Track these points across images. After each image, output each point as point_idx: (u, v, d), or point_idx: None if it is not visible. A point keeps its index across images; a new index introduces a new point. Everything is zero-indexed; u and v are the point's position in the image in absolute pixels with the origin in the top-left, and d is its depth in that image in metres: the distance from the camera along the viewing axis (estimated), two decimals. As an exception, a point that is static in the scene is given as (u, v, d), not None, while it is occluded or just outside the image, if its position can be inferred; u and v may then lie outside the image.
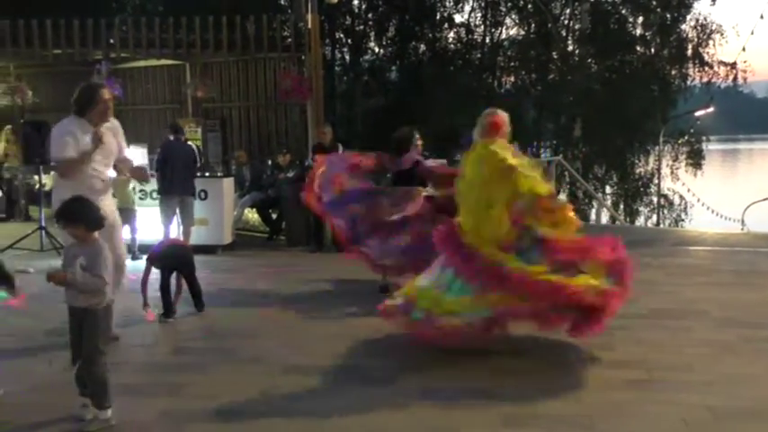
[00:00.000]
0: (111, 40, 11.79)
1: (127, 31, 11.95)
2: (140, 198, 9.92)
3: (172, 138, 9.64)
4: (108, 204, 5.63)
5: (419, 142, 7.61)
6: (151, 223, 9.66)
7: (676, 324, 5.81)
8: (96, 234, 4.04)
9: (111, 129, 5.86)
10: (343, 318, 6.34)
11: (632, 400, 4.21)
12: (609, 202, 21.66)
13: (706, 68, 21.21)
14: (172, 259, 6.44)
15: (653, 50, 21.40)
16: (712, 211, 19.77)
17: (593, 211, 20.73)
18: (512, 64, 22.30)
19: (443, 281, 5.03)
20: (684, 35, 21.25)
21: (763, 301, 6.64)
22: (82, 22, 11.65)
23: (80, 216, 4.01)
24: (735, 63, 20.92)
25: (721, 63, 21.13)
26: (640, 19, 21.58)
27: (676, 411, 4.00)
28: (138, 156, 10.37)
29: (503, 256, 4.85)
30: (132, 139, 11.03)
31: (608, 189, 23.13)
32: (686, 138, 22.43)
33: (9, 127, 12.50)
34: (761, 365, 4.82)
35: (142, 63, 12.86)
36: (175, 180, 9.46)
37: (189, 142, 10.14)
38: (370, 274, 7.45)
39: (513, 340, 5.45)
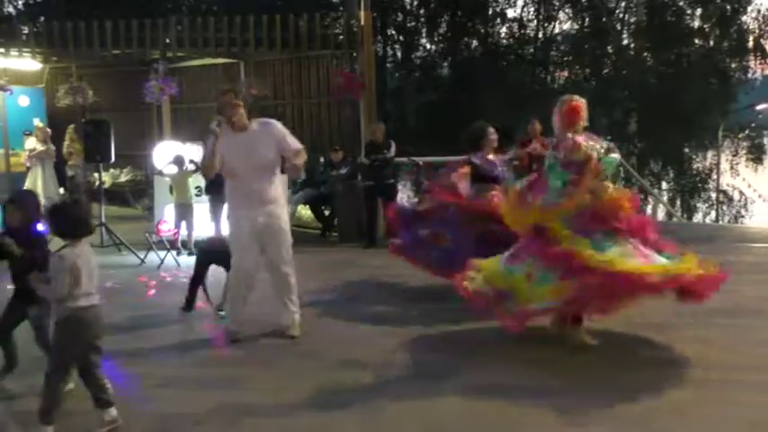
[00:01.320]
0: (168, 40, 12.04)
1: (183, 30, 12.19)
2: (197, 195, 10.09)
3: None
4: (260, 221, 5.49)
5: (493, 137, 7.08)
6: (205, 219, 9.80)
7: (736, 322, 5.68)
8: (79, 241, 3.81)
9: (255, 132, 5.53)
10: (396, 313, 6.36)
11: (691, 400, 4.13)
12: (665, 199, 21.22)
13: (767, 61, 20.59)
14: (213, 254, 6.48)
15: (712, 43, 20.85)
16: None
17: (649, 207, 20.32)
18: (565, 59, 21.99)
19: (536, 274, 4.92)
20: (745, 26, 20.67)
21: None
22: (140, 23, 11.93)
23: (52, 222, 3.90)
24: (799, 54, 20.26)
25: (785, 54, 20.49)
26: (699, 11, 21.04)
27: (740, 412, 3.91)
28: (194, 153, 10.58)
29: (577, 240, 4.76)
30: (188, 136, 11.33)
31: (664, 185, 22.66)
32: (746, 132, 21.82)
33: (72, 126, 12.87)
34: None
35: (197, 62, 13.10)
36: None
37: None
38: (418, 269, 7.45)
39: (560, 337, 5.41)
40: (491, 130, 7.11)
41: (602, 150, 5.16)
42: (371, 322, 6.06)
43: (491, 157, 7.02)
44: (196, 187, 10.08)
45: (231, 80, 12.85)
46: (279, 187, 5.61)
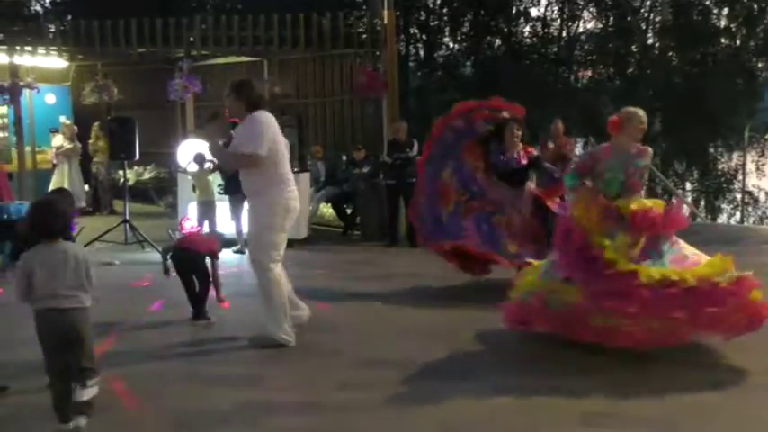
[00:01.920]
0: (192, 39, 12.12)
1: (207, 29, 12.26)
2: (219, 193, 10.14)
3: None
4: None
5: (519, 132, 7.23)
6: (228, 217, 9.87)
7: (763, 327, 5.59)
8: (51, 242, 3.70)
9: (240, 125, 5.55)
10: (418, 312, 6.35)
11: (719, 402, 4.08)
12: (690, 199, 21.01)
13: (795, 61, 20.32)
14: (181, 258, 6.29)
15: (738, 42, 20.61)
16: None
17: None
18: (589, 58, 21.85)
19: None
20: (772, 26, 20.40)
21: None
22: (164, 22, 12.01)
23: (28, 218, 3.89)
24: (827, 54, 19.96)
25: (813, 54, 20.20)
26: (725, 10, 20.80)
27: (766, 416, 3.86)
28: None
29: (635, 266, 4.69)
30: (212, 134, 11.36)
31: (688, 186, 22.44)
32: (773, 133, 21.56)
33: (97, 123, 12.99)
34: None
35: (221, 60, 13.17)
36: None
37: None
38: (443, 268, 7.46)
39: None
40: (511, 128, 7.20)
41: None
42: (393, 321, 6.06)
43: (517, 153, 7.15)
44: (219, 185, 10.13)
45: (256, 78, 12.94)
46: (261, 181, 5.35)
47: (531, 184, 7.40)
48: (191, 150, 10.30)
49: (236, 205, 9.63)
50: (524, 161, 7.24)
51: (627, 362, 4.76)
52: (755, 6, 20.15)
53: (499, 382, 4.47)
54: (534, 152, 7.44)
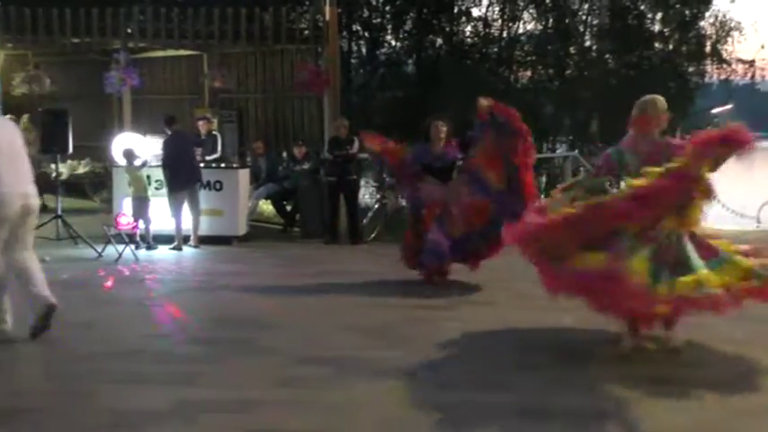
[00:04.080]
0: (130, 30, 11.84)
1: (146, 20, 11.99)
2: (156, 188, 9.97)
3: (169, 132, 9.69)
4: None
5: (443, 128, 7.34)
6: (165, 213, 9.71)
7: (696, 320, 5.75)
8: None
9: None
10: (358, 309, 6.36)
11: (646, 395, 4.18)
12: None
13: (724, 66, 20.98)
14: None
15: (671, 47, 21.19)
16: (728, 209, 19.56)
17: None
18: (529, 58, 22.12)
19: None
20: (703, 32, 21.02)
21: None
22: (101, 12, 11.69)
23: None
24: (753, 61, 20.69)
25: (739, 60, 20.89)
26: (659, 15, 21.35)
27: (691, 407, 3.98)
28: (155, 146, 10.44)
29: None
30: (149, 128, 11.17)
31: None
32: (704, 135, 22.29)
33: (27, 116, 12.57)
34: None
35: (161, 53, 12.92)
36: (187, 174, 9.56)
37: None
38: (383, 265, 7.49)
39: (527, 334, 5.47)
40: (435, 124, 7.33)
41: None
42: (332, 318, 6.05)
43: (442, 148, 7.30)
44: (157, 180, 9.96)
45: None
46: None
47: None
48: (122, 145, 10.12)
49: (178, 201, 9.50)
50: (456, 154, 7.32)
51: (562, 358, 4.85)
52: (687, 12, 20.76)
53: (437, 378, 4.50)
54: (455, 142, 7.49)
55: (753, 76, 21.33)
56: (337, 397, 4.19)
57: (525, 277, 6.91)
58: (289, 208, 11.50)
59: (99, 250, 8.86)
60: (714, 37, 21.03)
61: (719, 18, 20.89)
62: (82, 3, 11.93)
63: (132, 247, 8.96)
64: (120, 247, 8.77)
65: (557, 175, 18.36)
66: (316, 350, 5.13)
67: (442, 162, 7.29)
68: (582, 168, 17.52)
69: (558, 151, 21.10)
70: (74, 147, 9.83)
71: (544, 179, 21.03)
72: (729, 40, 20.87)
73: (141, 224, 9.44)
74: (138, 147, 9.98)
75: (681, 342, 4.99)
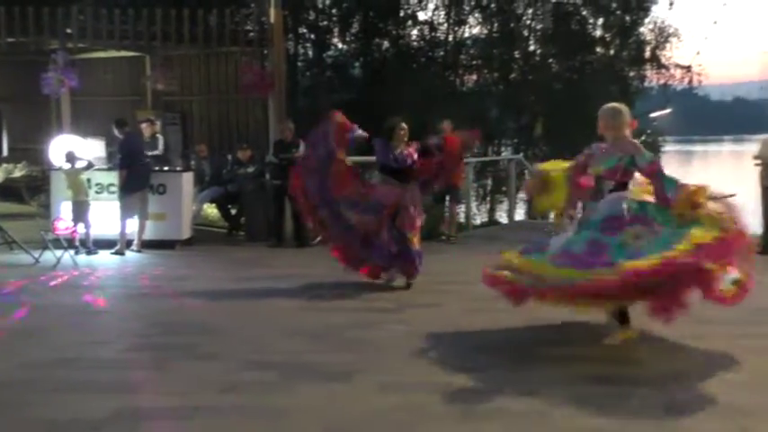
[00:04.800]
0: (69, 30, 11.56)
1: (85, 20, 11.73)
2: (97, 192, 9.76)
3: (121, 134, 9.53)
4: None
5: (401, 131, 7.31)
6: (107, 217, 9.52)
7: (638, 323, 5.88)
8: None
9: None
10: (303, 313, 6.32)
11: (591, 394, 4.24)
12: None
13: (663, 71, 21.56)
14: None
15: (612, 52, 21.67)
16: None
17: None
18: (474, 62, 22.37)
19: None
20: (643, 37, 21.57)
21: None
22: (37, 11, 11.39)
23: None
24: (690, 66, 21.30)
25: (677, 66, 21.50)
26: (601, 20, 21.83)
27: (626, 407, 4.06)
28: (95, 148, 10.23)
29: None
30: (89, 131, 10.93)
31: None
32: (643, 138, 22.78)
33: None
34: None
35: (101, 54, 12.65)
36: (141, 175, 9.44)
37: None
38: (330, 268, 7.46)
39: (474, 336, 5.51)
40: (400, 125, 7.30)
41: None
42: (277, 322, 5.99)
43: (404, 150, 7.25)
44: (97, 184, 9.77)
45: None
46: None
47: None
48: (63, 147, 9.89)
49: (131, 204, 9.34)
50: (414, 157, 7.32)
51: (508, 360, 4.90)
52: (628, 18, 21.26)
53: (382, 381, 4.49)
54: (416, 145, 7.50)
55: (690, 81, 21.93)
56: (281, 402, 4.15)
57: (474, 280, 6.99)
58: (233, 211, 11.39)
59: (36, 256, 8.61)
60: (653, 42, 21.60)
61: (658, 24, 21.50)
62: (17, 1, 11.61)
63: (71, 252, 8.75)
64: (59, 253, 8.55)
65: (502, 178, 18.59)
66: (260, 355, 5.07)
67: (399, 164, 7.28)
68: (526, 171, 17.78)
69: (503, 154, 21.38)
70: (9, 150, 9.57)
71: (490, 182, 21.29)
72: (668, 45, 21.48)
73: (81, 228, 9.23)
74: (78, 149, 9.76)
75: (618, 340, 5.13)
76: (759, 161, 9.54)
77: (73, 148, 9.62)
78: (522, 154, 18.56)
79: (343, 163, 7.27)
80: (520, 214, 17.46)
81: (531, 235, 7.59)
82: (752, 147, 11.06)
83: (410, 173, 7.28)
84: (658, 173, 5.12)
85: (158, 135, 11.11)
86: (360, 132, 7.37)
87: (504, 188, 16.04)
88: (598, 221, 5.10)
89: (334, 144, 7.23)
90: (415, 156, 7.29)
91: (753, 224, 9.32)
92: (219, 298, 6.89)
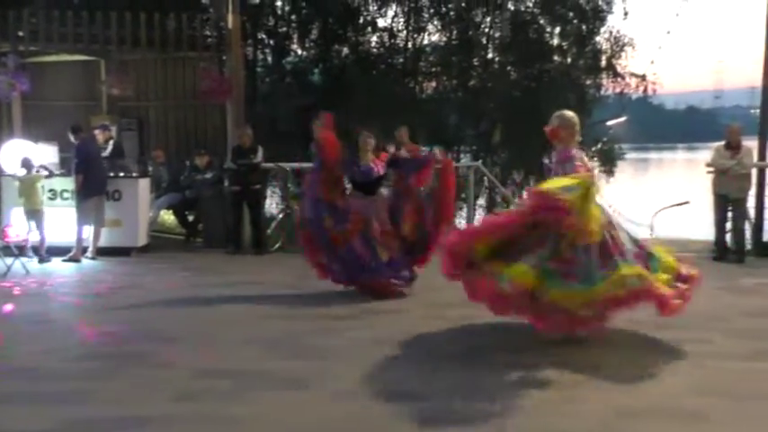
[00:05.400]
0: (20, 33, 11.31)
1: (37, 23, 11.49)
2: (50, 198, 9.57)
3: (77, 139, 9.37)
4: None
5: (371, 141, 7.33)
6: (60, 224, 9.35)
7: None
8: None
9: None
10: (260, 321, 6.25)
11: (546, 400, 4.28)
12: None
13: (618, 79, 21.89)
14: None
15: (570, 60, 21.95)
16: (623, 217, 20.35)
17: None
18: (433, 69, 22.48)
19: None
20: (599, 47, 21.88)
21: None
22: (-14, 13, 11.13)
23: None
24: (644, 75, 21.67)
25: (632, 75, 21.85)
26: (558, 29, 22.11)
27: (580, 410, 4.10)
28: (48, 154, 10.04)
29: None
30: (41, 136, 10.70)
31: (525, 194, 23.57)
32: (599, 146, 23.14)
33: None
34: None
35: (54, 57, 12.39)
36: (97, 181, 9.30)
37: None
38: (288, 276, 7.41)
39: (434, 342, 5.51)
40: (364, 137, 7.29)
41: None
42: (234, 330, 5.93)
43: (371, 162, 7.26)
44: (50, 190, 9.58)
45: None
46: None
47: (384, 191, 7.49)
48: (16, 153, 9.68)
49: (87, 209, 9.19)
50: (380, 170, 7.32)
51: (466, 366, 4.91)
52: (584, 27, 21.56)
53: (338, 388, 4.46)
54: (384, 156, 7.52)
55: (645, 90, 22.28)
56: (236, 411, 4.10)
57: (435, 286, 7.02)
58: (191, 218, 11.25)
59: (-16, 264, 8.41)
60: (609, 52, 21.92)
61: (614, 34, 21.81)
62: (-35, 4, 11.34)
63: (23, 259, 8.56)
64: (9, 261, 8.36)
65: (461, 186, 18.69)
66: (216, 363, 5.01)
67: (366, 177, 7.26)
68: (485, 178, 17.90)
69: (462, 161, 21.50)
70: (-43, 155, 9.32)
71: (449, 188, 21.40)
72: (623, 54, 21.82)
73: (34, 237, 9.04)
74: (30, 155, 9.57)
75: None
76: (711, 169, 9.72)
77: (29, 155, 9.43)
78: (480, 161, 18.71)
79: (332, 169, 7.25)
80: (479, 220, 17.56)
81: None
82: (704, 155, 11.31)
83: (377, 185, 7.29)
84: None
85: (112, 140, 10.93)
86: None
87: (463, 195, 16.10)
88: None
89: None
90: (381, 168, 7.30)
91: (706, 231, 9.59)
92: (175, 306, 6.80)
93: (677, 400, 4.27)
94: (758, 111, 10.72)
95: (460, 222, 19.13)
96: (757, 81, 10.81)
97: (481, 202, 20.90)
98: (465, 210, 15.22)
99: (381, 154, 7.43)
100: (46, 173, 9.28)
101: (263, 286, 7.67)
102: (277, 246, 10.35)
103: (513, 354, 5.15)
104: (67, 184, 9.45)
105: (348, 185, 7.46)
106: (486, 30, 22.35)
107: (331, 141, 7.19)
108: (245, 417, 4.01)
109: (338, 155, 7.21)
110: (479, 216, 19.53)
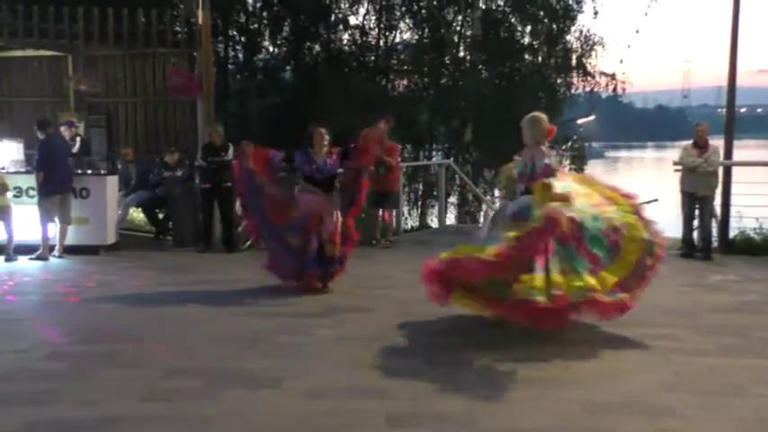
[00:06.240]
0: (-16, 27, 11.12)
1: (1, 18, 11.29)
2: (15, 196, 9.41)
3: (42, 135, 9.21)
4: None
5: (326, 136, 7.25)
6: (27, 222, 9.20)
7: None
8: None
9: None
10: (231, 319, 6.21)
11: (516, 395, 4.30)
12: (497, 205, 22.17)
13: (589, 78, 22.09)
14: None
15: (540, 59, 22.10)
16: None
17: (482, 213, 21.22)
18: (405, 67, 22.52)
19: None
20: (569, 46, 22.06)
21: (649, 298, 6.82)
22: (-51, 8, 10.92)
23: None
24: (614, 74, 21.88)
25: (602, 74, 22.05)
26: (528, 28, 22.26)
27: (550, 408, 4.13)
28: (13, 151, 9.88)
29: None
30: (7, 132, 10.53)
31: (497, 192, 23.72)
32: (570, 144, 23.33)
33: None
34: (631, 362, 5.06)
35: (19, 53, 12.19)
36: (61, 178, 9.15)
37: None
38: (259, 274, 7.37)
39: (402, 340, 5.51)
40: (318, 131, 7.22)
41: None
42: (205, 329, 5.87)
43: (326, 158, 7.21)
44: (15, 188, 9.43)
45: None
46: None
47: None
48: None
49: (50, 207, 9.04)
50: (335, 165, 7.29)
51: (435, 364, 4.92)
52: (555, 26, 21.72)
53: (310, 386, 4.45)
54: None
55: (615, 89, 22.50)
56: (206, 410, 4.06)
57: (403, 284, 7.03)
58: (161, 216, 11.14)
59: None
60: (579, 51, 22.12)
61: (584, 33, 22.02)
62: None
63: (-11, 258, 8.42)
64: (-26, 259, 8.21)
65: (433, 183, 18.75)
66: (185, 362, 4.97)
67: (322, 174, 7.21)
68: (456, 176, 17.96)
69: (433, 159, 21.57)
70: None
71: (421, 187, 21.45)
72: (593, 53, 22.02)
73: (0, 234, 8.90)
74: (-1, 151, 9.43)
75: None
76: (679, 167, 9.85)
77: None
78: (452, 159, 18.78)
79: (274, 194, 7.23)
80: (450, 218, 17.63)
81: (461, 239, 7.63)
82: (673, 153, 11.43)
83: (333, 181, 7.29)
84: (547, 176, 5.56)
85: (78, 137, 10.79)
86: (279, 156, 7.26)
87: (434, 192, 16.15)
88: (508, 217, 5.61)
89: (258, 179, 7.17)
90: (337, 163, 7.27)
91: (673, 228, 9.71)
92: (144, 304, 6.72)
93: (645, 396, 4.32)
94: (725, 110, 10.89)
95: (432, 220, 19.23)
96: (724, 80, 10.99)
97: (452, 200, 21.00)
98: (437, 207, 15.26)
99: (333, 150, 7.34)
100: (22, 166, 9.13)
101: (233, 284, 7.61)
102: (248, 244, 10.28)
103: (481, 351, 5.17)
104: (33, 181, 9.30)
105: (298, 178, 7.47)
106: (458, 28, 22.44)
107: (258, 153, 7.23)
108: (216, 416, 3.98)
109: (269, 165, 7.24)
110: (452, 215, 19.60)
